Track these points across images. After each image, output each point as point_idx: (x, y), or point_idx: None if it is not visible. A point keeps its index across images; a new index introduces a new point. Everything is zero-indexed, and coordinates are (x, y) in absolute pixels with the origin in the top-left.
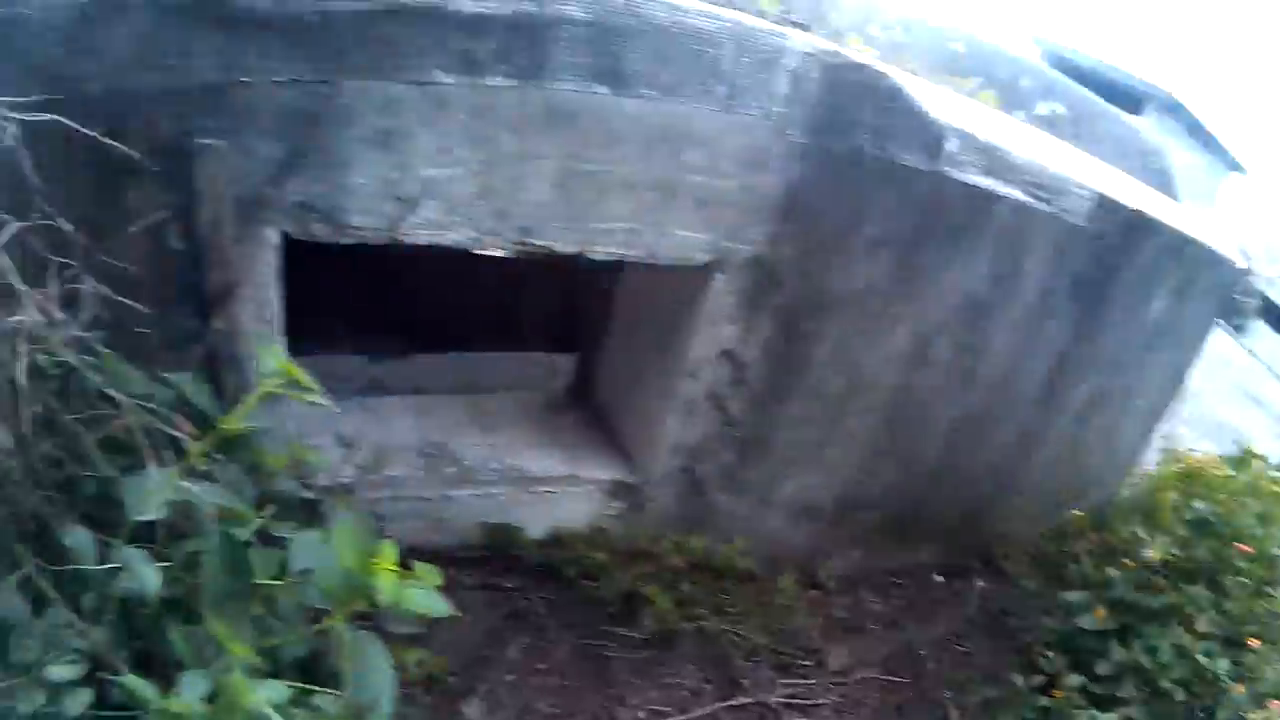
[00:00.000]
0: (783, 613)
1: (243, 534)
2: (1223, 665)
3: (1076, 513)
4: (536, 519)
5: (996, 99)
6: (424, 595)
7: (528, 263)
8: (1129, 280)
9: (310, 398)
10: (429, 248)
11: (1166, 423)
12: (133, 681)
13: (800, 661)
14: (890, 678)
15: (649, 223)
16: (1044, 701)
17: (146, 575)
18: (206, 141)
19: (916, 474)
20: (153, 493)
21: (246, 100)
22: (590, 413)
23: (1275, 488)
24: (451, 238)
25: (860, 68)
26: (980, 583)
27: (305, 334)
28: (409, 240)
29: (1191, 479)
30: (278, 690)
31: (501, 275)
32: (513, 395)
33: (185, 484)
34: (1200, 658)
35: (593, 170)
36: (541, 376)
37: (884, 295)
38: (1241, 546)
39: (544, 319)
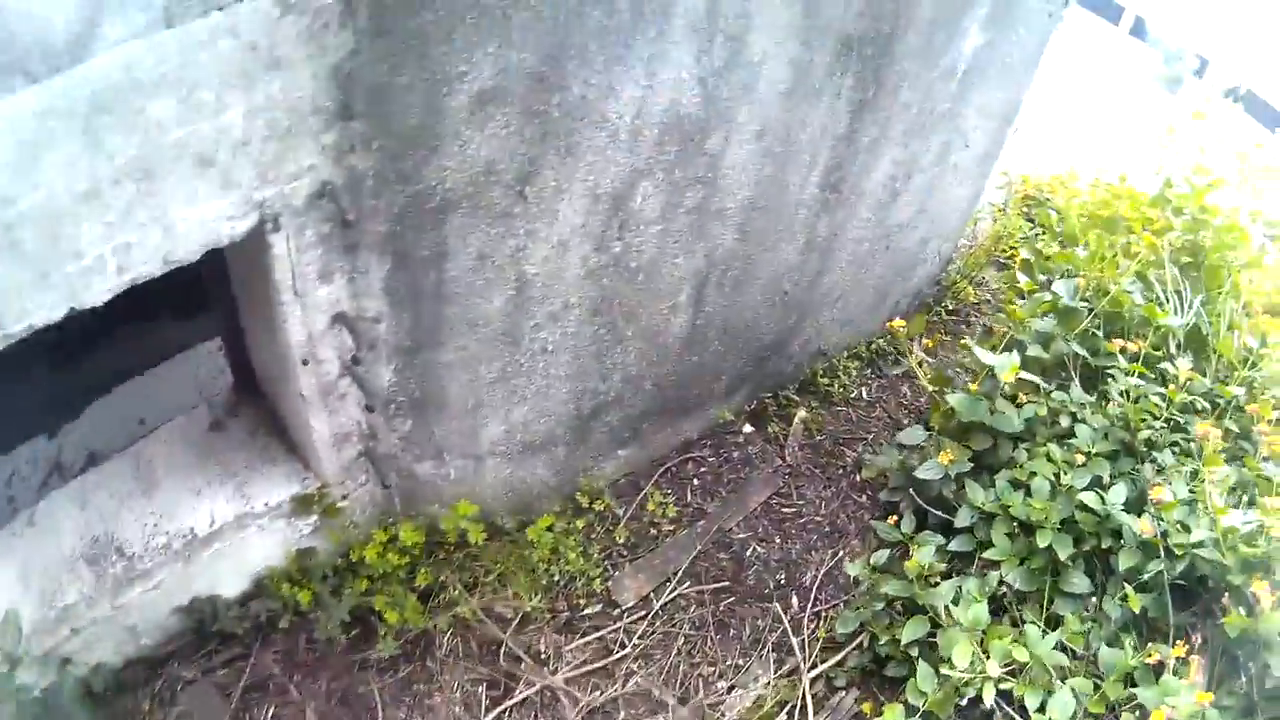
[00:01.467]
0: (549, 563)
1: None
2: (1118, 495)
3: (899, 322)
4: (229, 575)
5: None
6: None
7: None
8: (921, 25)
9: None
10: None
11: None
12: None
13: (584, 614)
14: (701, 589)
15: (139, 224)
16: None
17: None
18: None
19: (667, 348)
20: None
21: None
22: (261, 411)
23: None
24: None
25: None
26: (802, 413)
27: None
28: None
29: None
30: None
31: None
32: (175, 424)
33: None
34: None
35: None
36: (214, 377)
37: (521, 167)
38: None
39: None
